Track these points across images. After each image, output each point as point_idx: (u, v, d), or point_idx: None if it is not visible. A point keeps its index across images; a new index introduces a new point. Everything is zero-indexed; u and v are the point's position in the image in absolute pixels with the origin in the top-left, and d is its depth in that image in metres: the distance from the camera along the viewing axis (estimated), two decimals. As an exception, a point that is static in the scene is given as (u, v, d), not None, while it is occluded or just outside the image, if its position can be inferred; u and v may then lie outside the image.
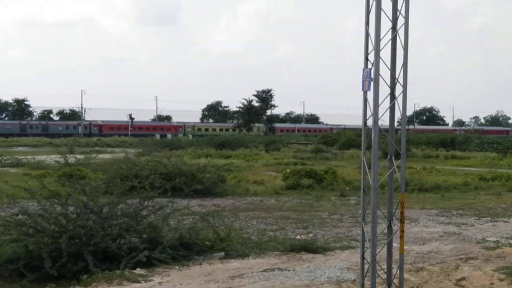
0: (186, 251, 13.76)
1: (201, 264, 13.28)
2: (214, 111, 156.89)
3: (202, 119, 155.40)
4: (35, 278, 12.19)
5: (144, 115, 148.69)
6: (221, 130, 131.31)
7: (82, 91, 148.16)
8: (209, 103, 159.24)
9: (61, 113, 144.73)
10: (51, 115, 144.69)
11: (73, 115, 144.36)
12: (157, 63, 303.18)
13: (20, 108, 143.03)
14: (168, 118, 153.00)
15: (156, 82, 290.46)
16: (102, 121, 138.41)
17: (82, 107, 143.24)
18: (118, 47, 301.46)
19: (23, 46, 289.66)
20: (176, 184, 26.01)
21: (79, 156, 40.09)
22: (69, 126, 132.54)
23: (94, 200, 14.13)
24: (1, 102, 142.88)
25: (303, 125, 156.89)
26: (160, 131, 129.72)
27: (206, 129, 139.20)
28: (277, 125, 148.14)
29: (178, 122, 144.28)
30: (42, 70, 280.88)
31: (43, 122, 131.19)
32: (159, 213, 15.15)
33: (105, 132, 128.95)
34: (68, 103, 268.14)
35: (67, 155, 38.44)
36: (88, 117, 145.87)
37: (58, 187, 19.90)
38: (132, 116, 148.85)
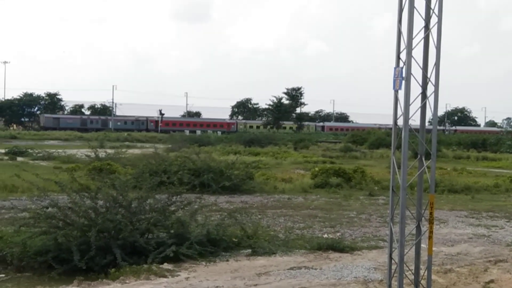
0: (213, 247, 13.81)
1: (227, 260, 13.31)
2: (244, 108, 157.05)
3: (231, 116, 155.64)
4: (63, 270, 12.33)
5: (174, 111, 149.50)
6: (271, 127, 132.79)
7: (113, 86, 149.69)
8: (238, 100, 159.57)
9: (92, 108, 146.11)
10: (83, 110, 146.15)
11: (104, 110, 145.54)
12: (187, 59, 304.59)
13: (52, 102, 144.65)
14: (197, 114, 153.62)
15: (186, 78, 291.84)
16: (158, 117, 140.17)
17: (113, 102, 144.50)
18: (150, 43, 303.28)
19: (58, 40, 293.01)
20: (205, 180, 26.10)
21: (109, 151, 40.46)
22: (127, 122, 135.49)
23: (123, 195, 14.24)
24: (34, 96, 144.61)
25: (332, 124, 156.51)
26: (213, 128, 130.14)
27: (258, 127, 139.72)
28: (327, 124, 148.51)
29: (214, 119, 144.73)
30: (74, 65, 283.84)
31: (102, 117, 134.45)
32: (187, 208, 15.22)
33: (162, 128, 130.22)
34: (99, 98, 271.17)
35: (98, 149, 38.80)
36: (119, 112, 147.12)
37: (88, 181, 20.09)
38: (162, 112, 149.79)
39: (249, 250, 14.11)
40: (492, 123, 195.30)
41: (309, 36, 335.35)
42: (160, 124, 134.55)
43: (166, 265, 12.47)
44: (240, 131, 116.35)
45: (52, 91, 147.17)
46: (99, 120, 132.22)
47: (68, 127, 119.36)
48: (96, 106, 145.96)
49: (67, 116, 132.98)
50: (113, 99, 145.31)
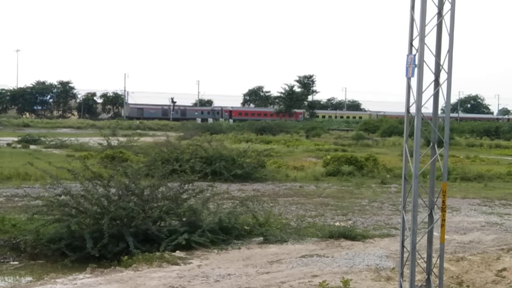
0: (225, 235, 13.85)
1: (239, 248, 13.34)
2: (256, 96, 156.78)
3: (243, 103, 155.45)
4: (76, 258, 12.43)
5: (185, 99, 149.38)
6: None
7: (125, 74, 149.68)
8: (250, 88, 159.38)
9: (104, 96, 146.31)
10: (95, 98, 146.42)
11: (116, 98, 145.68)
12: (198, 46, 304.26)
13: (64, 90, 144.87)
14: (209, 102, 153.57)
15: (197, 66, 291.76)
16: (232, 107, 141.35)
17: (125, 90, 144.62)
18: (161, 31, 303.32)
19: (67, 28, 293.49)
20: (216, 168, 26.16)
21: (121, 139, 40.60)
22: (204, 112, 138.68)
23: (136, 183, 14.31)
24: (46, 84, 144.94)
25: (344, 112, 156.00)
26: (282, 117, 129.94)
27: (323, 116, 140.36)
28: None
29: (223, 107, 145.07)
30: (85, 53, 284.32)
31: (182, 108, 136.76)
32: (199, 196, 15.27)
33: (235, 117, 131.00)
34: (111, 86, 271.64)
35: (110, 137, 38.93)
36: (131, 100, 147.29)
37: (101, 169, 20.16)
38: (174, 100, 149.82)
39: (261, 238, 14.15)
40: (505, 111, 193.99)
41: (321, 23, 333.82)
42: (172, 112, 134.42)
43: (178, 253, 12.52)
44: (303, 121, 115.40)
45: (65, 79, 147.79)
46: (178, 111, 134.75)
47: (151, 116, 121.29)
48: (108, 94, 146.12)
49: (150, 106, 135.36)
50: (125, 87, 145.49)
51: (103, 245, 12.52)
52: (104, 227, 12.67)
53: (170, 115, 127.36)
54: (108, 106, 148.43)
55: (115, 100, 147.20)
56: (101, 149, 35.20)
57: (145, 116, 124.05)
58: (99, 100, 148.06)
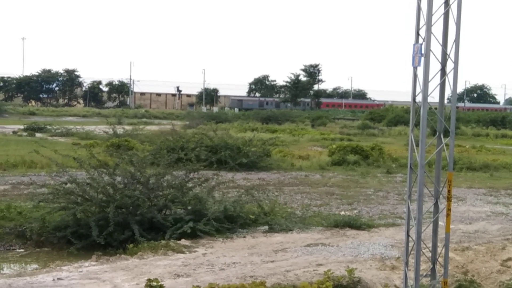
0: (230, 223, 13.87)
1: (244, 237, 13.37)
2: (261, 85, 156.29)
3: (249, 92, 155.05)
4: (82, 245, 12.50)
5: (191, 88, 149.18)
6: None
7: (130, 62, 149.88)
8: (256, 77, 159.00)
9: (110, 84, 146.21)
10: (100, 86, 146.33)
11: (122, 87, 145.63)
12: (203, 35, 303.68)
13: (70, 79, 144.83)
14: (214, 91, 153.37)
15: (203, 55, 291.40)
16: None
17: (130, 79, 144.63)
18: (166, 19, 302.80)
19: (72, 16, 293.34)
20: (222, 157, 26.17)
21: (127, 127, 40.64)
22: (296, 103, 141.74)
23: (141, 171, 14.34)
24: (52, 72, 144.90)
25: (350, 101, 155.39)
26: (365, 109, 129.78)
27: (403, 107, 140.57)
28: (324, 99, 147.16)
29: (226, 96, 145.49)
30: (91, 41, 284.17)
31: (276, 99, 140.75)
32: (204, 185, 15.28)
33: (322, 109, 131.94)
34: (116, 75, 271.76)
35: (116, 126, 38.98)
36: (137, 88, 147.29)
37: (106, 157, 20.20)
38: (180, 89, 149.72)
39: (266, 227, 14.17)
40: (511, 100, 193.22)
41: (327, 12, 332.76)
42: (177, 101, 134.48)
43: (183, 241, 12.56)
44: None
45: (70, 67, 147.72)
46: (273, 102, 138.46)
47: (249, 108, 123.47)
48: (114, 83, 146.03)
49: (248, 98, 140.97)
50: (130, 75, 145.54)
51: (108, 233, 12.56)
52: (109, 215, 12.72)
53: (265, 106, 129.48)
54: (114, 95, 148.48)
55: (120, 89, 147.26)
56: (106, 138, 35.27)
57: (244, 107, 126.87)
58: (105, 89, 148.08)
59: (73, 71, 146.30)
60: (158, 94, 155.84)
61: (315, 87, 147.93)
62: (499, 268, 11.34)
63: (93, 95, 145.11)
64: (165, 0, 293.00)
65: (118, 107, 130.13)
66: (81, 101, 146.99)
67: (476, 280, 10.82)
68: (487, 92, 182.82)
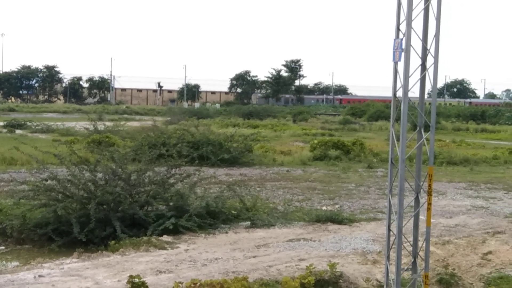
0: (212, 219, 13.87)
1: (227, 232, 13.37)
2: (243, 80, 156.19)
3: (230, 88, 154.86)
4: (63, 242, 12.42)
5: (172, 83, 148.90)
6: None
7: (111, 58, 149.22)
8: (237, 72, 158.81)
9: (90, 80, 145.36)
10: (81, 82, 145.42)
11: (103, 83, 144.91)
12: (184, 31, 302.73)
13: (50, 75, 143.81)
14: (196, 87, 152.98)
15: (184, 50, 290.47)
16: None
17: (111, 75, 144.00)
18: (147, 14, 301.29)
19: (52, 12, 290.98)
20: (203, 153, 26.15)
21: (108, 124, 40.43)
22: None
23: (123, 167, 14.28)
24: (32, 68, 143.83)
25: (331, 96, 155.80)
26: None
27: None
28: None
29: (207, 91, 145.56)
30: (71, 37, 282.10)
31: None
32: (186, 181, 15.26)
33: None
34: (97, 71, 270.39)
35: (96, 122, 38.78)
36: (117, 84, 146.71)
37: (87, 153, 20.09)
38: (161, 85, 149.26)
39: (248, 222, 14.18)
40: (491, 95, 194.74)
41: (308, 8, 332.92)
42: (158, 97, 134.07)
43: (165, 237, 12.54)
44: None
45: (50, 63, 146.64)
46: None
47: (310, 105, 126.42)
48: (94, 79, 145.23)
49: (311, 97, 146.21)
50: (111, 71, 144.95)
51: (90, 229, 12.50)
52: (90, 212, 12.65)
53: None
54: (94, 91, 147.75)
55: (101, 85, 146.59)
56: (87, 134, 35.08)
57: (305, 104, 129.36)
58: (85, 85, 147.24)
59: (53, 67, 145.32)
60: (139, 90, 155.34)
61: (297, 82, 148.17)
62: (479, 262, 11.45)
63: (74, 91, 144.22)
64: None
65: (98, 103, 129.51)
66: (61, 98, 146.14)
67: (456, 273, 10.92)
68: (467, 87, 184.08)
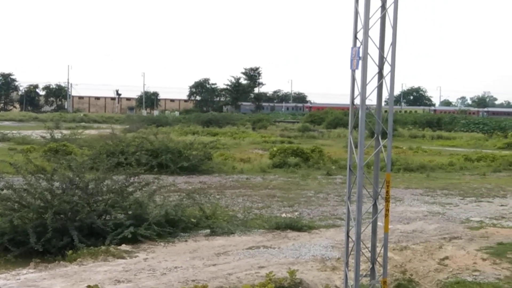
0: (172, 227, 13.79)
1: (186, 241, 13.31)
2: (202, 88, 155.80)
3: (189, 96, 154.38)
4: (20, 253, 12.19)
5: (130, 91, 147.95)
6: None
7: (68, 65, 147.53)
8: (196, 80, 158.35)
9: (47, 88, 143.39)
10: (37, 90, 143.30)
11: (60, 90, 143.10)
12: (142, 38, 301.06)
13: (5, 82, 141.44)
14: (155, 94, 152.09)
15: (143, 58, 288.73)
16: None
17: (68, 82, 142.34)
18: (104, 22, 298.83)
19: (7, 19, 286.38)
20: (163, 161, 26.02)
21: (65, 132, 39.92)
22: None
23: (80, 176, 14.10)
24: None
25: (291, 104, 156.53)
26: None
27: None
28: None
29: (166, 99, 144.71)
30: (27, 44, 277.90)
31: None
32: (145, 189, 15.14)
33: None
34: (54, 78, 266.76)
35: (53, 130, 38.25)
36: (75, 92, 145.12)
37: (44, 162, 19.79)
38: (119, 92, 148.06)
39: (208, 230, 14.14)
40: (447, 102, 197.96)
41: (267, 16, 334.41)
42: (116, 105, 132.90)
43: (124, 247, 12.42)
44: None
45: (6, 71, 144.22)
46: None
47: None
48: (51, 87, 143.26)
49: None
50: (68, 79, 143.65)
51: (47, 239, 12.32)
52: (47, 222, 12.47)
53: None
54: (51, 99, 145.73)
55: (58, 93, 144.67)
56: (44, 142, 34.56)
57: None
58: (42, 93, 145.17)
59: (9, 74, 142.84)
60: (97, 98, 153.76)
61: (256, 90, 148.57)
62: (436, 267, 11.60)
63: (30, 99, 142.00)
64: (103, 3, 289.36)
65: (55, 111, 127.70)
66: (18, 106, 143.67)
67: (414, 279, 11.04)
68: (423, 94, 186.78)
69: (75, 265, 11.17)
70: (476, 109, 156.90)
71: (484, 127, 72.53)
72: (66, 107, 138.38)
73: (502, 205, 19.30)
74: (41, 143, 35.02)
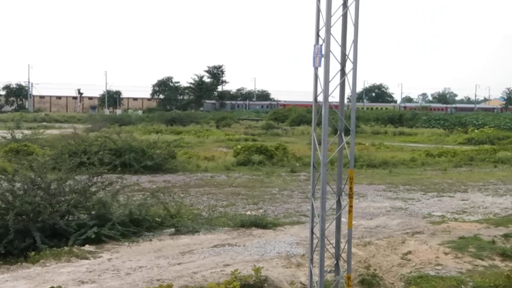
0: (136, 227, 13.71)
1: (151, 240, 13.24)
2: (165, 86, 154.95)
3: (152, 94, 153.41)
4: (-19, 255, 12.00)
5: (93, 90, 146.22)
6: None
7: (28, 65, 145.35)
8: (159, 79, 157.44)
9: (7, 88, 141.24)
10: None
11: (20, 90, 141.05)
12: (104, 36, 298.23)
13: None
14: (117, 93, 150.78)
15: (104, 57, 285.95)
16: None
17: (29, 82, 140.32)
18: (65, 20, 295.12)
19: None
20: (126, 160, 25.81)
21: (26, 132, 39.34)
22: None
23: (42, 176, 13.92)
24: None
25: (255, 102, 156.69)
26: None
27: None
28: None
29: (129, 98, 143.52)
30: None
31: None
32: (108, 189, 15.02)
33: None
34: (14, 78, 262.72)
35: (14, 130, 37.66)
36: (36, 92, 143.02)
37: (4, 163, 19.52)
38: (81, 91, 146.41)
39: (173, 229, 14.09)
40: (408, 99, 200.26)
41: (231, 14, 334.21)
42: (78, 104, 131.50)
43: (87, 247, 12.31)
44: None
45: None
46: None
47: None
48: (12, 86, 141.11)
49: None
50: (29, 78, 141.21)
51: (8, 241, 12.14)
52: (9, 223, 12.29)
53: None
54: (12, 98, 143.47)
55: (18, 92, 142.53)
56: (5, 143, 33.98)
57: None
58: (2, 92, 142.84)
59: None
60: (59, 97, 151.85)
61: (219, 88, 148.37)
62: (399, 262, 11.75)
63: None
64: (64, 1, 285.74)
65: (16, 111, 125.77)
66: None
67: (378, 274, 11.17)
68: (385, 91, 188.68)
69: (38, 267, 11.03)
70: (444, 105, 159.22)
71: (445, 123, 73.46)
72: (27, 106, 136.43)
73: (463, 200, 19.61)
74: (1, 144, 34.42)
